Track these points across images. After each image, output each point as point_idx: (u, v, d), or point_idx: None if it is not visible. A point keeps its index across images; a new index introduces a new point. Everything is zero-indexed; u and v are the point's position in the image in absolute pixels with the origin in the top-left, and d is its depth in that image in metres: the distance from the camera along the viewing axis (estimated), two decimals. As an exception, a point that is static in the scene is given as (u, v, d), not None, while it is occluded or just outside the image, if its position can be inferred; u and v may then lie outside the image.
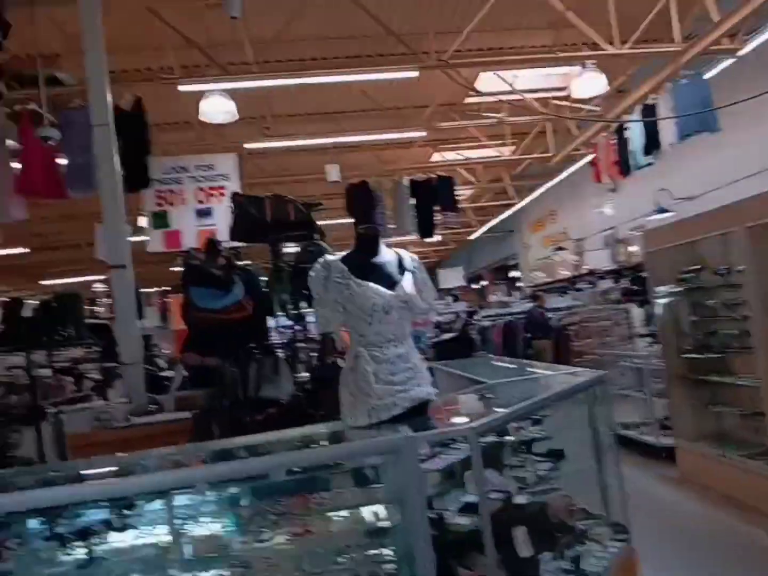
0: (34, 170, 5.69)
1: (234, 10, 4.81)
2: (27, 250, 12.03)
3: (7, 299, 4.51)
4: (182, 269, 3.03)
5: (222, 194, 7.79)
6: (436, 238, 17.91)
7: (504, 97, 8.77)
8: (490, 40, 7.73)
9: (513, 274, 21.02)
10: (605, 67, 7.36)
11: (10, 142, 5.71)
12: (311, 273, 2.56)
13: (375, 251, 2.64)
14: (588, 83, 7.36)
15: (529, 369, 3.70)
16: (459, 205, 10.52)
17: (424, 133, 8.38)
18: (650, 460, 5.82)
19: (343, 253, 2.63)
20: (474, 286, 24.90)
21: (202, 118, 6.98)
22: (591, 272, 10.09)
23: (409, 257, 2.70)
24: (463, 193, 14.88)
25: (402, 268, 2.64)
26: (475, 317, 9.19)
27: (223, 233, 7.69)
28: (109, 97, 4.25)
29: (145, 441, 3.24)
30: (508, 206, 14.97)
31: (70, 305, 3.95)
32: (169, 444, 3.27)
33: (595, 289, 8.45)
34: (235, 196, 3.67)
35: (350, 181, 9.90)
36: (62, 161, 5.85)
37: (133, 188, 6.34)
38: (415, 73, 6.32)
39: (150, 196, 7.75)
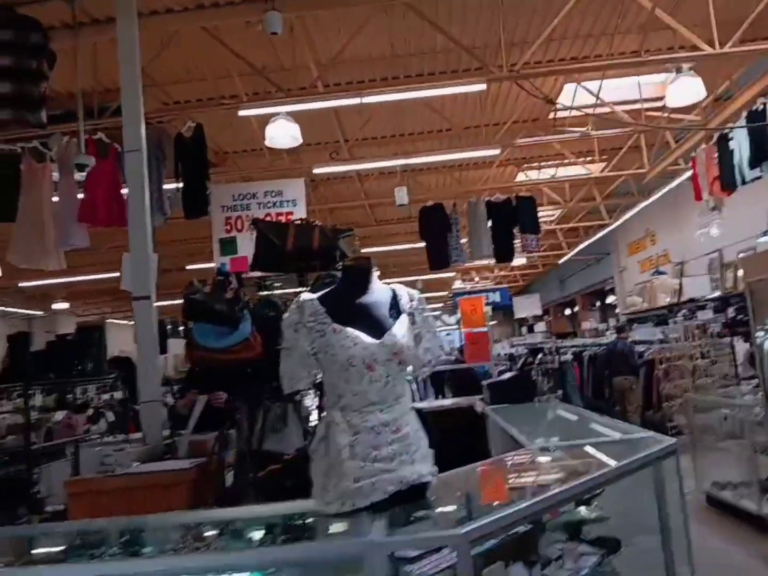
0: (98, 198, 5.72)
1: (273, 26, 4.57)
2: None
3: (13, 333, 4.44)
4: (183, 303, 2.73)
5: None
6: (521, 261, 17.22)
7: (591, 111, 8.08)
8: (569, 49, 7.12)
9: (609, 299, 19.74)
10: (703, 72, 6.55)
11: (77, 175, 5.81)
12: (284, 315, 2.13)
13: (364, 288, 2.12)
14: (684, 90, 6.57)
15: (592, 425, 3.07)
16: (541, 227, 9.80)
17: (497, 151, 7.85)
18: (749, 532, 4.81)
19: (326, 290, 2.16)
20: (566, 312, 23.67)
21: (267, 143, 6.84)
22: (691, 300, 9.03)
23: (407, 295, 2.16)
24: (551, 214, 14.15)
25: (397, 310, 2.11)
26: (560, 348, 8.44)
27: None
28: (143, 124, 4.06)
29: (143, 493, 2.95)
30: (602, 227, 14.00)
31: (91, 338, 3.76)
32: (166, 498, 2.96)
33: (694, 321, 7.47)
34: (256, 223, 3.35)
35: (424, 204, 9.57)
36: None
37: (192, 215, 6.34)
38: (482, 86, 5.84)
39: (219, 222, 7.67)
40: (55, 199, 5.81)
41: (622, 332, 8.75)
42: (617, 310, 16.93)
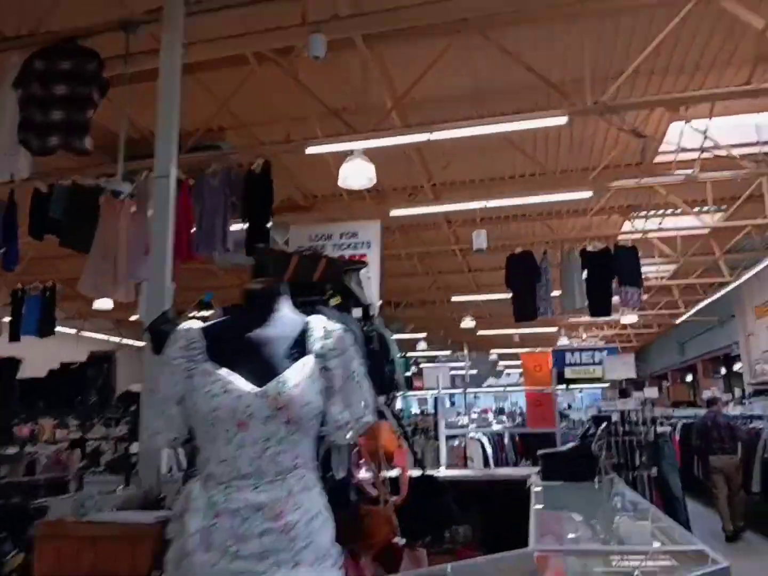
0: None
1: (317, 50, 4.36)
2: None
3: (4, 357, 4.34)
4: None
5: (363, 263, 7.30)
6: (632, 319, 15.82)
7: (698, 152, 7.23)
8: (673, 83, 6.40)
9: (735, 367, 17.63)
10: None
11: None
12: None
13: (263, 318, 1.62)
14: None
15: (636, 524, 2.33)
16: (643, 281, 8.84)
17: (589, 194, 7.16)
18: None
19: (219, 319, 1.69)
20: (687, 379, 21.50)
21: (341, 183, 6.65)
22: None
23: (322, 329, 1.64)
24: (665, 269, 12.91)
25: (302, 348, 1.61)
26: (656, 419, 7.36)
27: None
28: (174, 149, 3.95)
29: (108, 543, 2.64)
30: (722, 286, 12.52)
31: (100, 369, 3.55)
32: (131, 553, 2.63)
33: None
34: (254, 251, 3.03)
35: (513, 251, 8.99)
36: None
37: (251, 252, 6.23)
38: (564, 119, 5.29)
39: (295, 262, 7.57)
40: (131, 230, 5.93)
41: (713, 404, 7.61)
42: (745, 379, 15.02)
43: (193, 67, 5.66)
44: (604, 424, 3.79)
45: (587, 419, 8.52)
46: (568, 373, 12.22)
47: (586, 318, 13.43)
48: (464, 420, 8.96)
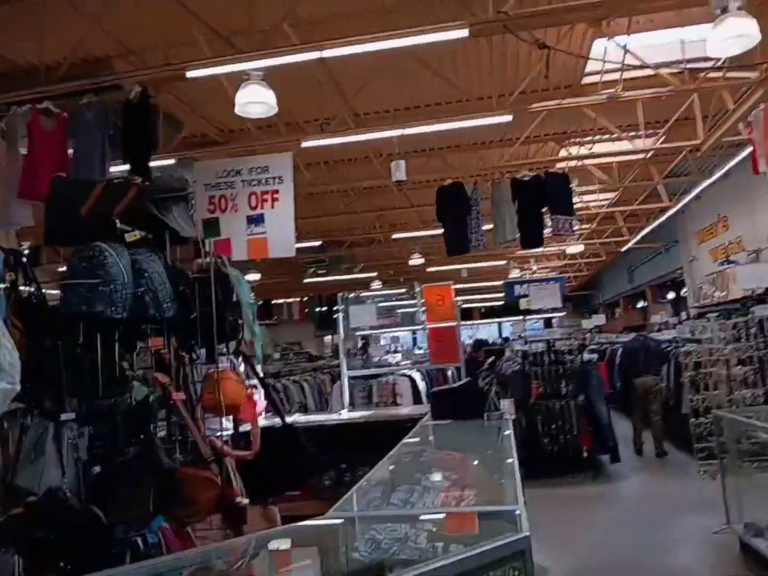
0: (42, 171, 5.21)
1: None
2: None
3: None
4: None
5: (275, 199, 6.84)
6: (577, 248, 15.71)
7: (623, 72, 6.80)
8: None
9: (683, 291, 17.81)
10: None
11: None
12: None
13: None
14: (732, 34, 5.20)
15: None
16: (575, 208, 8.55)
17: (508, 118, 6.73)
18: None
19: None
20: (638, 305, 21.76)
21: (238, 111, 6.10)
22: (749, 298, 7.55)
23: None
24: (606, 197, 12.70)
25: None
26: (584, 346, 7.26)
27: (274, 243, 6.90)
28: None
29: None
30: (664, 212, 12.37)
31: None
32: None
33: (746, 318, 6.07)
34: (52, 182, 2.59)
35: (442, 184, 8.59)
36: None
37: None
38: (464, 32, 4.80)
39: (202, 202, 7.03)
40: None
41: (642, 329, 7.52)
42: (689, 303, 15.15)
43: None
44: (491, 359, 3.52)
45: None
46: (523, 304, 12.24)
47: (539, 249, 13.30)
48: (398, 358, 8.78)
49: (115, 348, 2.16)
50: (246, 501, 2.65)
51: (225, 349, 2.51)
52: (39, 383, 2.06)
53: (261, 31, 5.93)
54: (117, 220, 2.19)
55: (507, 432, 3.19)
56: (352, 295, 7.10)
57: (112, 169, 5.74)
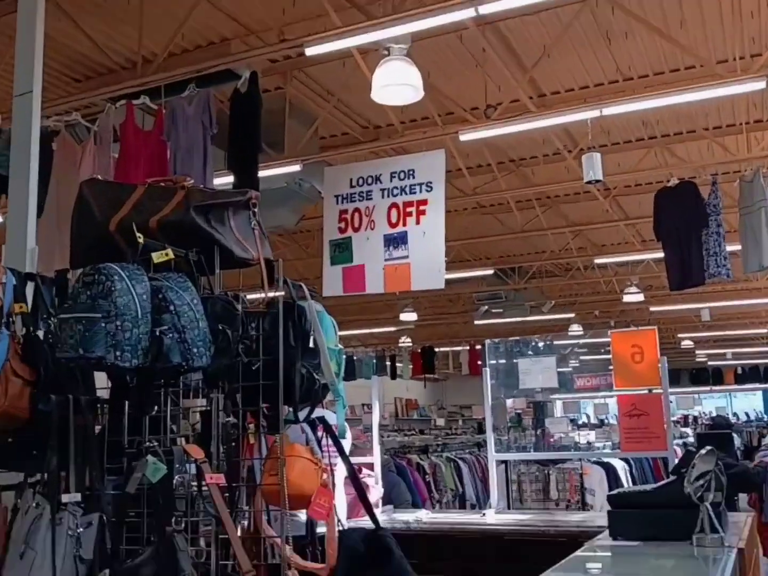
0: (138, 178, 5.59)
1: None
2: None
3: None
4: None
5: (422, 212, 6.77)
6: None
7: None
8: None
9: None
10: None
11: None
12: None
13: None
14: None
15: None
16: None
17: (761, 85, 6.00)
18: None
19: None
20: None
21: (376, 98, 6.12)
22: None
23: None
24: None
25: None
26: None
27: (419, 271, 6.77)
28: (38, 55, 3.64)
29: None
30: None
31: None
32: None
33: None
34: (83, 182, 2.59)
35: (665, 185, 8.04)
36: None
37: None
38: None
39: (332, 217, 7.15)
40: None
41: None
42: None
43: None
44: (704, 450, 2.96)
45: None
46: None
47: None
48: (591, 436, 8.08)
49: (124, 408, 2.08)
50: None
51: (293, 415, 2.34)
52: (44, 450, 2.03)
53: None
54: (140, 235, 2.11)
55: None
56: (512, 340, 6.73)
57: (218, 180, 6.02)
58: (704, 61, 6.98)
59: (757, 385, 26.08)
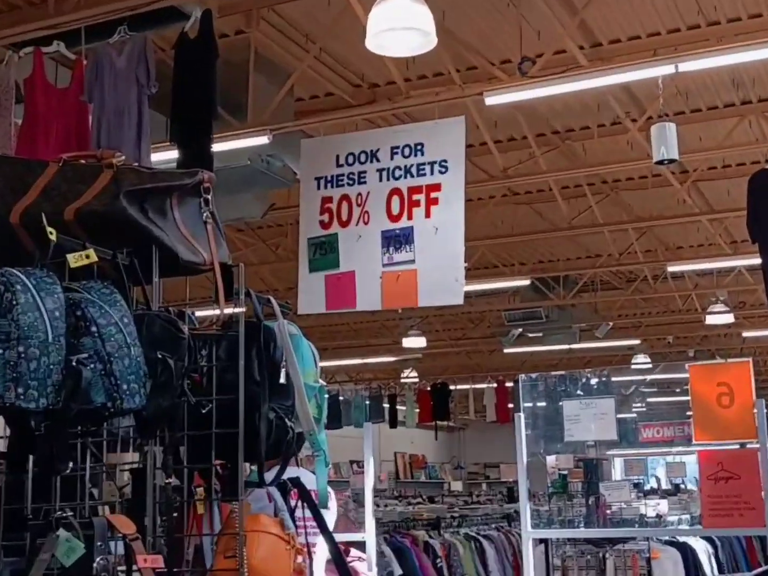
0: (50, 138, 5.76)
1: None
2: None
3: None
4: None
5: (433, 201, 6.87)
6: None
7: None
8: None
9: None
10: None
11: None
12: None
13: None
14: None
15: None
16: None
17: None
18: None
19: None
20: None
21: (371, 47, 6.21)
22: None
23: None
24: None
25: None
26: None
27: (429, 280, 6.84)
28: None
29: None
30: None
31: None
32: None
33: None
34: None
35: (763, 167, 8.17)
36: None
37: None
38: None
39: (311, 207, 7.23)
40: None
41: None
42: None
43: None
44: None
45: None
46: None
47: None
48: (662, 507, 8.12)
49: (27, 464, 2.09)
50: None
51: (257, 476, 2.40)
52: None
53: None
54: (52, 230, 2.15)
55: None
56: (555, 375, 6.77)
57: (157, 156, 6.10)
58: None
59: None
